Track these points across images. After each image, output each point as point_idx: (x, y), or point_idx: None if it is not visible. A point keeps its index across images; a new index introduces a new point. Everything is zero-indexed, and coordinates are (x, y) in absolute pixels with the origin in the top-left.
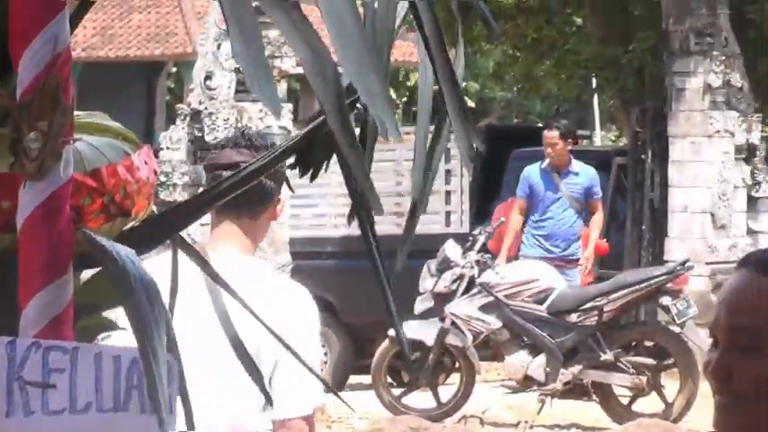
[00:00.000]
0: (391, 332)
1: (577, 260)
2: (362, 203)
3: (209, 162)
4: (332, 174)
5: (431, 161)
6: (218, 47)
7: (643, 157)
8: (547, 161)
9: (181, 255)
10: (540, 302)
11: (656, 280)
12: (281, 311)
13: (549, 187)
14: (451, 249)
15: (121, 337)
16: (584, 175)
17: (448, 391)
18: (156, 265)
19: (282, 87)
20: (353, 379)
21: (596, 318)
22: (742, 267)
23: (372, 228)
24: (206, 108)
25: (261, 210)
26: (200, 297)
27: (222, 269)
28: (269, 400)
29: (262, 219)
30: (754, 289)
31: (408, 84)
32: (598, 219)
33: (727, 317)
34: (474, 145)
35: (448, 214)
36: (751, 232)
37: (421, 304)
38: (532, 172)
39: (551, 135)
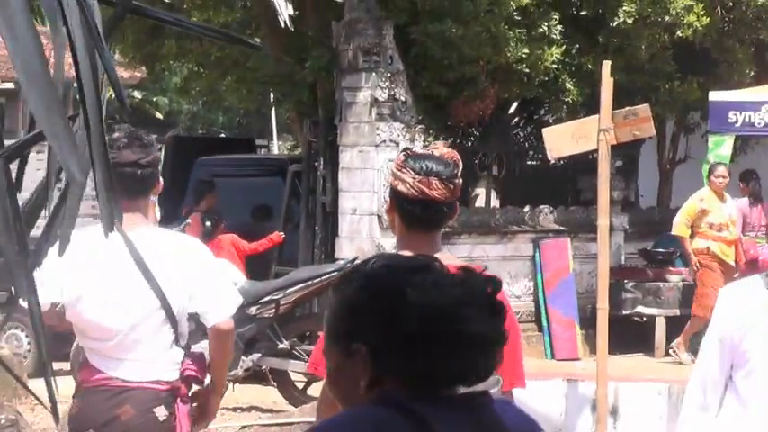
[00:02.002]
0: None
1: None
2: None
3: (112, 162)
4: None
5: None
6: None
7: (316, 164)
8: None
9: (99, 230)
10: None
11: (328, 276)
12: (188, 257)
13: None
14: None
15: None
16: None
17: None
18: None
19: None
20: (57, 365)
21: (273, 310)
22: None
23: (24, 235)
24: None
25: (149, 190)
26: (126, 262)
27: (141, 241)
28: (177, 339)
29: (150, 196)
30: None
31: None
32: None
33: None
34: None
35: None
36: None
37: None
38: None
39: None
